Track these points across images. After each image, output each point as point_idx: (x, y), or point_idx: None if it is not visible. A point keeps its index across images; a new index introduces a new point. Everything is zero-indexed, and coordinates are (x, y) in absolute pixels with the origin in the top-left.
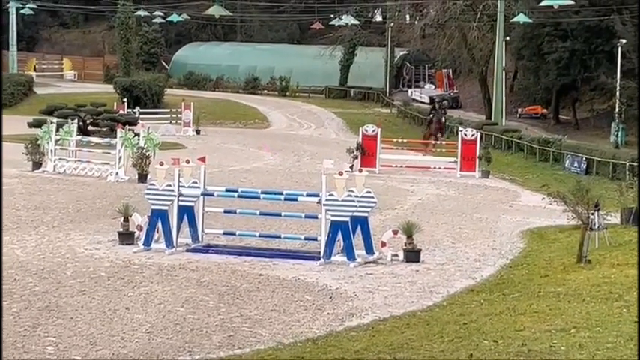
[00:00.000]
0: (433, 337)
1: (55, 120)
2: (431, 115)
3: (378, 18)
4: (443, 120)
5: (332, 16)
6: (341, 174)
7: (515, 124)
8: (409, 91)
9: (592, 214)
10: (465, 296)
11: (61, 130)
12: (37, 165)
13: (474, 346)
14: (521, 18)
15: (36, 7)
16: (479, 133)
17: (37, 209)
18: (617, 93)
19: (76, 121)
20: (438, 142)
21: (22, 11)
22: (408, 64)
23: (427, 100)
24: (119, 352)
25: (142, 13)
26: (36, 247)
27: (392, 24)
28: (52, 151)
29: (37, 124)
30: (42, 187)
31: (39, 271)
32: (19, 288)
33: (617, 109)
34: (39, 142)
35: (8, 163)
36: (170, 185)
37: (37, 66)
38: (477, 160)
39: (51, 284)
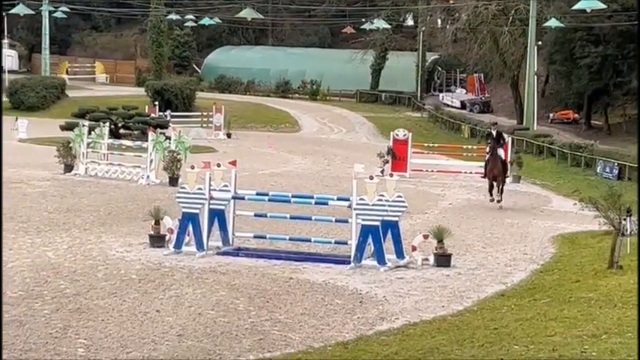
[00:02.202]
0: (464, 342)
1: (87, 123)
2: (489, 148)
3: (410, 22)
4: (502, 157)
5: (363, 20)
6: (372, 178)
7: (547, 129)
8: (440, 95)
9: (624, 219)
10: (496, 301)
11: (92, 133)
12: (68, 167)
13: (504, 352)
14: (553, 22)
15: (68, 10)
16: (510, 138)
17: (68, 212)
18: None
19: (107, 124)
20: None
21: (54, 15)
22: (440, 69)
23: (458, 104)
24: (150, 354)
25: (173, 16)
26: (67, 249)
27: (423, 28)
28: (83, 153)
29: (69, 127)
30: (73, 189)
31: (70, 274)
32: (50, 290)
33: None
34: (71, 144)
35: (40, 165)
36: (201, 188)
37: (69, 69)
38: (509, 164)
39: (82, 286)
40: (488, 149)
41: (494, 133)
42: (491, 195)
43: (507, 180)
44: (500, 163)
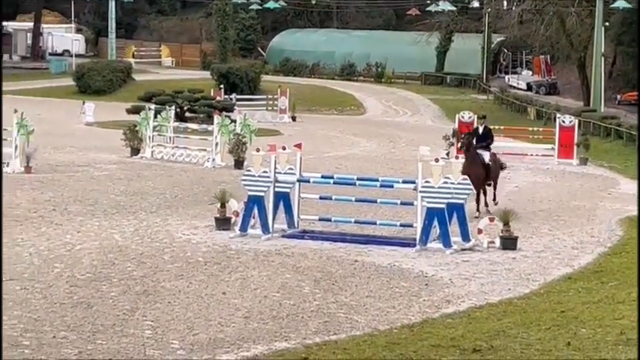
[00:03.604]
0: (530, 325)
1: (153, 106)
2: (461, 145)
3: (475, 4)
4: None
5: (428, 2)
6: (437, 160)
7: (614, 110)
8: (506, 77)
9: None
10: (563, 284)
11: (158, 116)
12: (135, 151)
13: (571, 335)
14: (621, 3)
15: None
16: (577, 120)
17: (135, 195)
18: None
19: (173, 107)
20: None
21: None
22: (505, 51)
23: (524, 86)
24: (216, 336)
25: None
26: (134, 232)
27: (489, 10)
28: (150, 137)
29: (136, 111)
30: (140, 172)
31: (137, 256)
32: (117, 272)
33: None
34: (137, 128)
35: (107, 149)
36: (266, 171)
37: (135, 53)
38: (575, 147)
39: (149, 269)
40: (460, 145)
41: (480, 128)
42: (477, 208)
43: (490, 187)
44: (480, 167)
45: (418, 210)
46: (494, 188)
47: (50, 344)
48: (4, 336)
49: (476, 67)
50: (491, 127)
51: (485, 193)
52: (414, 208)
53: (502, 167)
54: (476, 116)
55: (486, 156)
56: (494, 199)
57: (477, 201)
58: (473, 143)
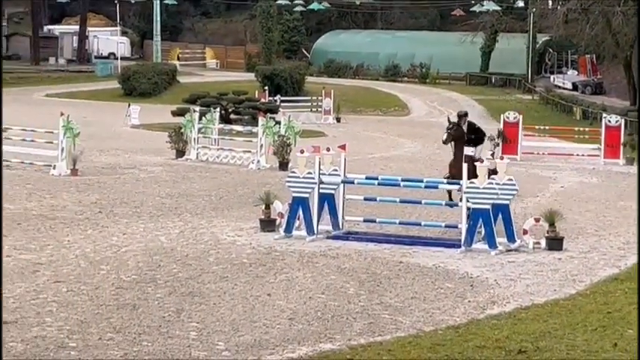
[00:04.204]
0: (576, 326)
1: (197, 108)
2: (446, 137)
3: (520, 4)
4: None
5: (473, 2)
6: (482, 161)
7: None
8: (551, 77)
9: None
10: (609, 285)
11: (203, 118)
12: (180, 153)
13: (618, 336)
14: None
15: None
16: (623, 120)
17: (180, 196)
18: None
19: (218, 109)
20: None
21: (165, 1)
22: (551, 50)
23: (570, 86)
24: (261, 338)
25: (283, 1)
26: (180, 234)
27: (534, 9)
28: (195, 139)
29: (181, 113)
30: (185, 174)
31: (183, 258)
32: (163, 274)
33: None
34: (182, 130)
35: (153, 151)
36: (311, 173)
37: (180, 55)
38: (622, 146)
39: (194, 270)
40: (445, 137)
41: (464, 127)
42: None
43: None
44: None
45: (463, 211)
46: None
47: (96, 346)
48: (51, 338)
49: (521, 67)
50: (536, 126)
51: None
52: (459, 209)
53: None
54: (457, 114)
55: (478, 151)
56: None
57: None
58: (462, 139)
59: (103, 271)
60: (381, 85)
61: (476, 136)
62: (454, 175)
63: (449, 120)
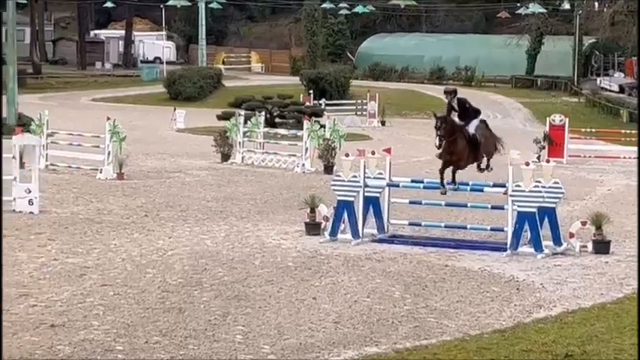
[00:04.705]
0: (623, 329)
1: (243, 112)
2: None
3: (566, 6)
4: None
5: (518, 4)
6: (528, 164)
7: None
8: (598, 79)
9: None
10: None
11: (248, 122)
12: (225, 157)
13: None
14: None
15: (224, 1)
16: None
17: (225, 200)
18: None
19: (263, 113)
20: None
21: (210, 6)
22: (597, 53)
23: (617, 88)
24: (306, 341)
25: (328, 5)
26: (225, 237)
27: (580, 11)
28: (240, 142)
29: (226, 117)
30: (230, 178)
31: (228, 261)
32: (209, 278)
33: None
34: (228, 134)
35: (198, 155)
36: (356, 176)
37: (225, 59)
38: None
39: (240, 274)
40: (438, 143)
41: (454, 104)
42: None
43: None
44: (462, 143)
45: (509, 214)
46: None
47: (143, 349)
48: (98, 341)
49: (567, 69)
50: (583, 129)
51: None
52: (505, 212)
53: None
54: (443, 91)
55: (471, 127)
56: (486, 167)
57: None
58: (454, 123)
59: (149, 275)
60: (426, 89)
61: (467, 113)
62: (449, 161)
63: (435, 116)
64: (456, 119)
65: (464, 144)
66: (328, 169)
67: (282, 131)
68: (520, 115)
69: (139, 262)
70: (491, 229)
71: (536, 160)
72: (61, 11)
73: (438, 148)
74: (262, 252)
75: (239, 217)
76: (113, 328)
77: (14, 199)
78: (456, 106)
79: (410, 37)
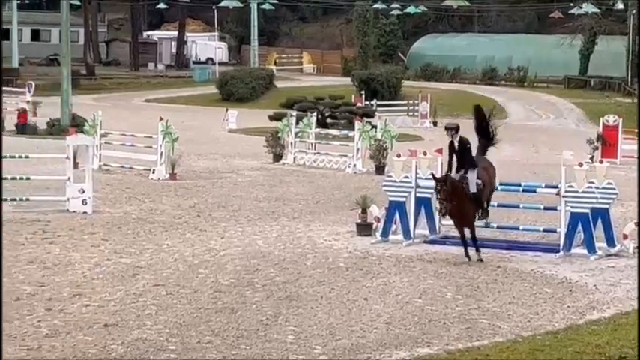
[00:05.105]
0: None
1: (294, 113)
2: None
3: (620, 6)
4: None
5: (571, 4)
6: (581, 165)
7: None
8: None
9: None
10: None
11: (300, 122)
12: (277, 157)
13: None
14: None
15: (276, 2)
16: None
17: (277, 201)
18: None
19: (314, 113)
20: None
21: (262, 7)
22: None
23: None
24: (358, 342)
25: (379, 5)
26: (277, 237)
27: (634, 11)
28: (291, 143)
29: (278, 117)
30: (282, 178)
31: (280, 262)
32: (261, 278)
33: None
34: (279, 134)
35: (250, 155)
36: (408, 177)
37: (277, 60)
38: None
39: (291, 274)
40: (439, 208)
41: (455, 143)
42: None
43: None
44: (465, 202)
45: (562, 215)
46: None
47: (195, 348)
48: (151, 341)
49: (620, 69)
50: (636, 130)
51: (470, 228)
52: (558, 213)
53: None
54: (445, 127)
55: (472, 184)
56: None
57: (465, 244)
58: (455, 184)
59: (202, 275)
60: (478, 89)
61: (466, 158)
62: (457, 224)
63: (434, 177)
64: (454, 174)
65: (467, 204)
66: (380, 169)
67: (333, 132)
68: (573, 116)
69: (191, 262)
70: (544, 231)
71: (590, 161)
72: (115, 12)
73: (440, 213)
74: (314, 252)
75: (291, 218)
76: (166, 328)
77: (68, 199)
78: (456, 145)
79: (462, 37)
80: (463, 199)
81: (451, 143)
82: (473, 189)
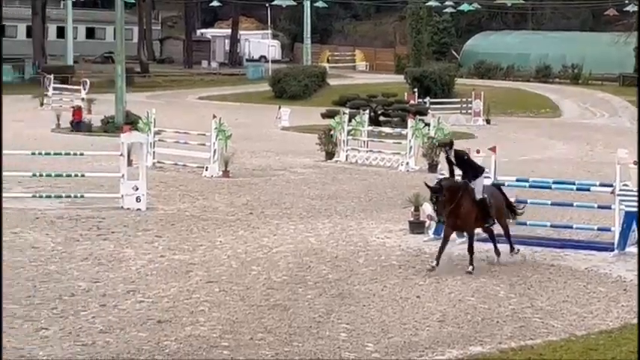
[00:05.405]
0: None
1: (347, 110)
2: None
3: None
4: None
5: (626, 1)
6: (635, 163)
7: None
8: None
9: None
10: None
11: (353, 120)
12: (329, 155)
13: None
14: None
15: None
16: None
17: (330, 198)
18: None
19: (367, 111)
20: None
21: (315, 4)
22: None
23: None
24: (410, 340)
25: (433, 3)
26: (329, 235)
27: None
28: (344, 141)
29: (330, 115)
30: (335, 176)
31: (332, 259)
32: (313, 275)
33: None
34: (332, 132)
35: (302, 153)
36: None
37: (330, 58)
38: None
39: (344, 272)
40: (435, 214)
41: (452, 157)
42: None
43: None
44: (469, 204)
45: (616, 214)
46: (506, 233)
47: (247, 345)
48: (204, 337)
49: None
50: None
51: (492, 238)
52: (612, 211)
53: (513, 210)
54: (437, 144)
55: (478, 189)
56: (511, 249)
57: (441, 249)
58: (453, 186)
59: (254, 272)
60: (531, 87)
61: (468, 168)
62: (454, 225)
63: (427, 186)
64: (458, 178)
65: (469, 207)
66: (432, 167)
67: (386, 130)
68: (628, 114)
69: (244, 259)
70: (598, 229)
71: None
72: (168, 10)
73: (439, 221)
74: (366, 250)
75: (343, 215)
76: (219, 325)
77: (122, 196)
78: (453, 160)
79: (516, 34)
80: (466, 199)
81: (447, 159)
82: (479, 195)
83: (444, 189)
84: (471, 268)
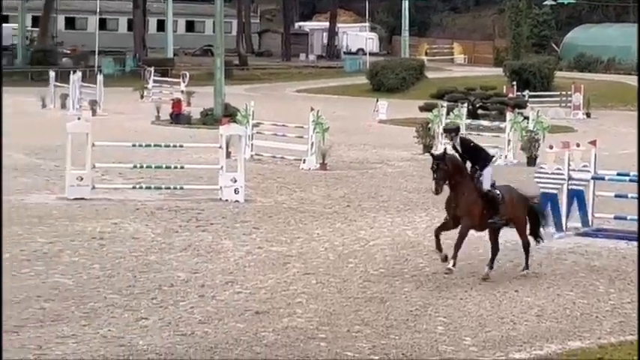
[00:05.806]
0: None
1: (445, 104)
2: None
3: None
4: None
5: None
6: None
7: None
8: None
9: None
10: None
11: (451, 113)
12: (427, 148)
13: None
14: None
15: None
16: None
17: (427, 191)
18: None
19: (465, 104)
20: None
21: None
22: None
23: None
24: (508, 334)
25: None
26: (426, 228)
27: None
28: (442, 134)
29: (428, 108)
30: None
31: (429, 252)
32: (410, 268)
33: None
34: (430, 125)
35: (400, 146)
36: (560, 169)
37: (428, 51)
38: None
39: (441, 265)
40: (434, 187)
41: (457, 145)
42: (438, 247)
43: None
44: (473, 195)
45: None
46: (521, 234)
47: (345, 337)
48: (301, 329)
49: None
50: None
51: (495, 240)
52: None
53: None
54: (442, 130)
55: (486, 179)
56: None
57: (437, 242)
58: (458, 163)
59: (351, 264)
60: (633, 80)
61: (476, 156)
62: (454, 217)
63: (431, 154)
64: (468, 164)
65: (473, 197)
66: (531, 161)
67: (484, 123)
68: None
69: (341, 251)
70: None
71: None
72: (267, 4)
73: (436, 193)
74: (465, 243)
75: (440, 209)
76: (316, 316)
77: (220, 187)
78: (459, 148)
79: (617, 27)
80: (469, 187)
81: (453, 146)
82: (487, 185)
83: (447, 160)
84: (452, 263)
